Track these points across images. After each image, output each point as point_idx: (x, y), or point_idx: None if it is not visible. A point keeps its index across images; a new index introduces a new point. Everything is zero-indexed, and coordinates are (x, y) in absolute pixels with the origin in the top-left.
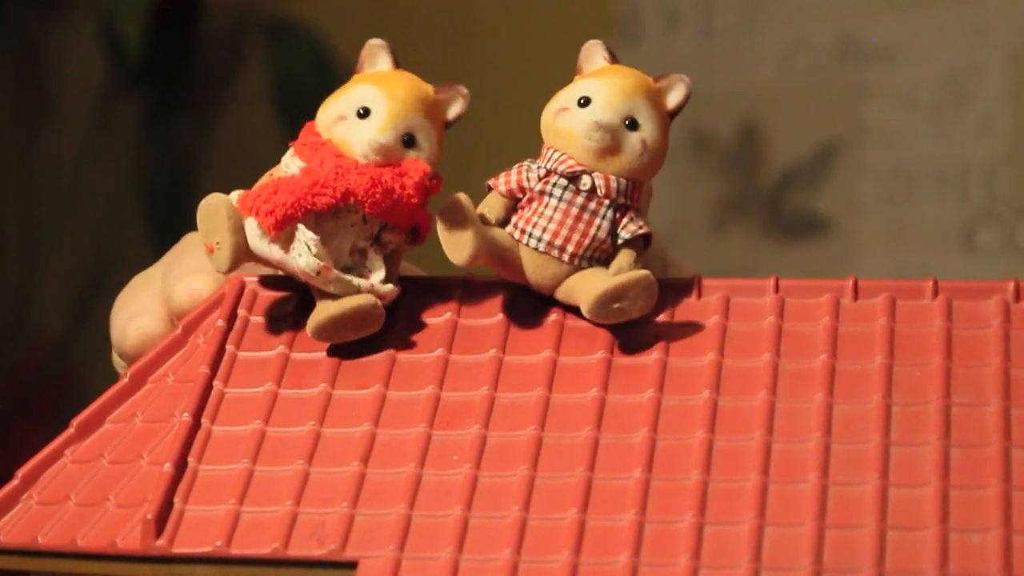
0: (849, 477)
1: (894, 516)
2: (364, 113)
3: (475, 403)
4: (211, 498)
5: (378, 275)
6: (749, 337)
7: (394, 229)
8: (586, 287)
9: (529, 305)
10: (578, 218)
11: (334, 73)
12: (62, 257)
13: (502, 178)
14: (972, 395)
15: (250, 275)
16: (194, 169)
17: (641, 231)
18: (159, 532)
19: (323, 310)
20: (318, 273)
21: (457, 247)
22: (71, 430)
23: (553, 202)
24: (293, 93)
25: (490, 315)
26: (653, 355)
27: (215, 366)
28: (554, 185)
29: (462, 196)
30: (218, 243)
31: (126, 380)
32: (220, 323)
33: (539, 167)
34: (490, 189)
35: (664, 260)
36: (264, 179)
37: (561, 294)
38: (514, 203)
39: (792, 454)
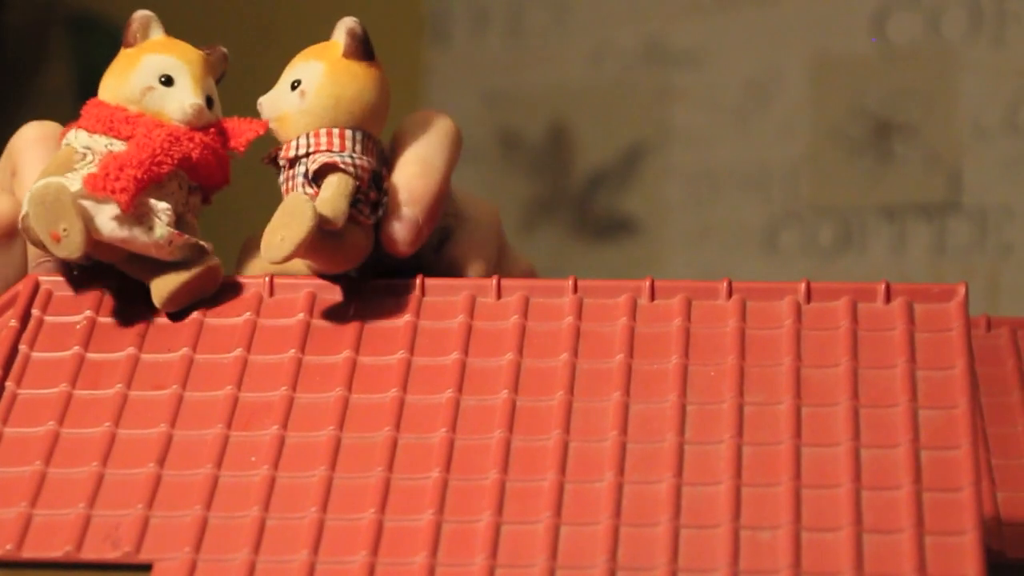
0: (644, 475)
1: (688, 514)
2: (167, 81)
3: (274, 404)
4: (2, 501)
5: (197, 234)
6: (547, 337)
7: (197, 191)
8: None
9: (330, 305)
10: (288, 189)
11: None
12: None
13: None
14: (765, 394)
15: (45, 274)
16: None
17: (316, 165)
18: None
19: (170, 280)
20: (171, 242)
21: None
22: None
23: (282, 189)
24: (97, 88)
25: (289, 315)
26: (452, 355)
27: (7, 367)
28: (278, 175)
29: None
30: (65, 230)
31: None
32: (13, 323)
33: None
34: None
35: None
36: (54, 167)
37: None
38: None
39: (589, 453)
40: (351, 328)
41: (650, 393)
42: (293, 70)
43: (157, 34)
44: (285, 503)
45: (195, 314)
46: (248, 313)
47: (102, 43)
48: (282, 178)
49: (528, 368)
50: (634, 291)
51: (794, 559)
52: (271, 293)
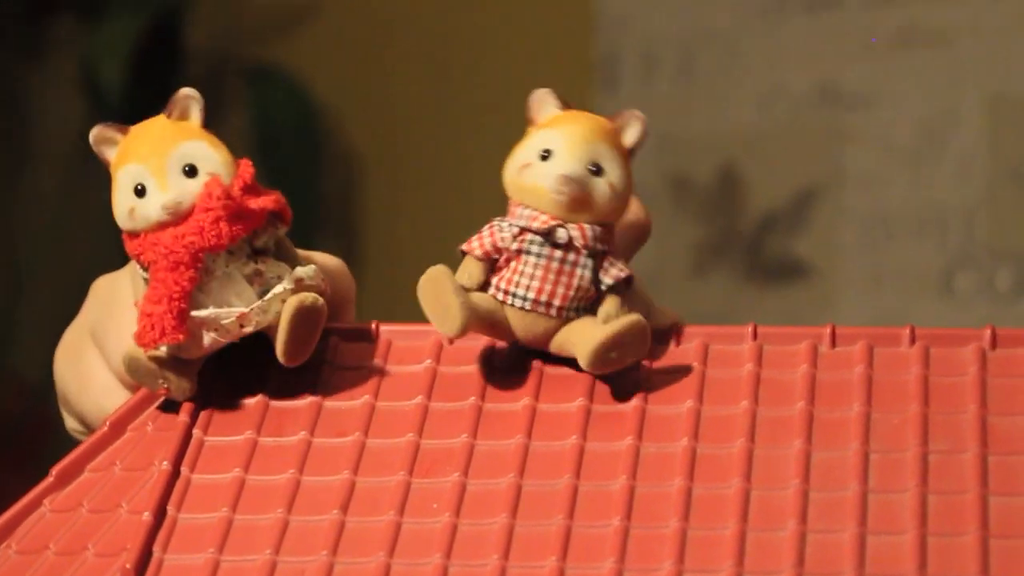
0: (828, 524)
1: (872, 563)
2: (141, 191)
3: (455, 451)
4: (190, 547)
5: (287, 274)
6: (728, 384)
7: (257, 232)
8: (580, 339)
9: (508, 353)
10: (559, 272)
11: (313, 116)
12: (43, 300)
13: (475, 242)
14: (950, 442)
15: None
16: None
17: (623, 274)
18: None
19: (278, 338)
20: (242, 326)
21: (446, 321)
22: (50, 478)
23: (532, 259)
24: (273, 137)
25: (469, 363)
26: (632, 402)
27: (194, 415)
28: (530, 242)
29: (441, 269)
30: (163, 382)
31: (105, 428)
32: None
33: (510, 225)
34: (464, 254)
35: (648, 306)
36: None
37: (555, 347)
38: (491, 264)
39: (771, 501)
40: (530, 376)
41: (832, 441)
42: (587, 147)
43: (196, 115)
44: (467, 550)
45: (376, 361)
46: (428, 360)
47: (277, 93)
48: (549, 252)
49: (708, 415)
50: (815, 337)
51: None
52: (448, 341)
